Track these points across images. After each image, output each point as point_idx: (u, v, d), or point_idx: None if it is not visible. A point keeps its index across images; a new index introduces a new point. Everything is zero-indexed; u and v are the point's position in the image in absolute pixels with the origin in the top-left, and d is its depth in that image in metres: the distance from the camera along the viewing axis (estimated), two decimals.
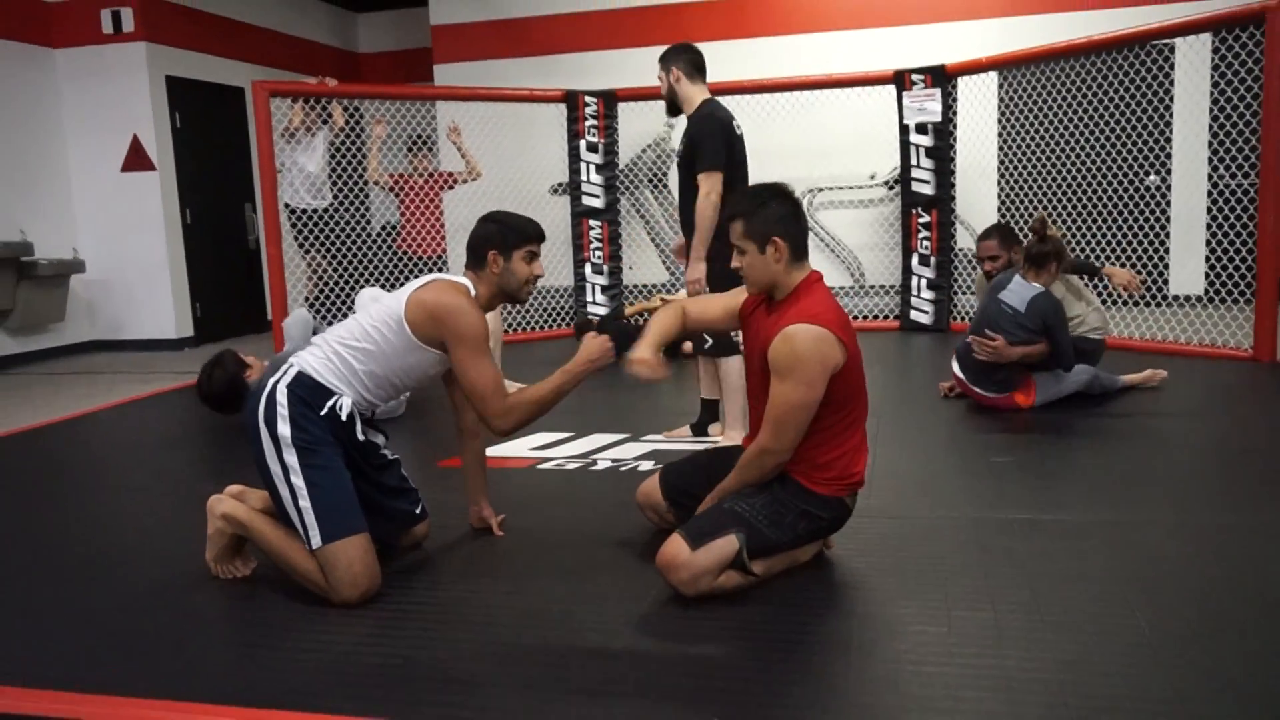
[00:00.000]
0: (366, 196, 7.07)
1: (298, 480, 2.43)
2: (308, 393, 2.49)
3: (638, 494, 2.84)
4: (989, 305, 4.30)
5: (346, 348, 2.55)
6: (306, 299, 6.68)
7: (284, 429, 2.44)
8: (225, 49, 8.48)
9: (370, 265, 6.77)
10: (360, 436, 2.59)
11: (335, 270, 6.73)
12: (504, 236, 2.64)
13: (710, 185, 3.69)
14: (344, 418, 2.51)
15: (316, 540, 2.41)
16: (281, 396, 2.47)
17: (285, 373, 2.52)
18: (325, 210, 6.62)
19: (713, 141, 3.72)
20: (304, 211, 6.56)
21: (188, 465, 4.08)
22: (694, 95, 3.89)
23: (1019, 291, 4.22)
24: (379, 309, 2.58)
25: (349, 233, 6.71)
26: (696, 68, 3.92)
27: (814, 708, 1.86)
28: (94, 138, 7.71)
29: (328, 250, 6.65)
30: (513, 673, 2.04)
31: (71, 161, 7.78)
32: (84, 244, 7.73)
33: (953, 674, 1.96)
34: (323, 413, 2.48)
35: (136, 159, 7.70)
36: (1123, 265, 6.29)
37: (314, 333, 4.46)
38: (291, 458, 2.43)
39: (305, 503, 2.42)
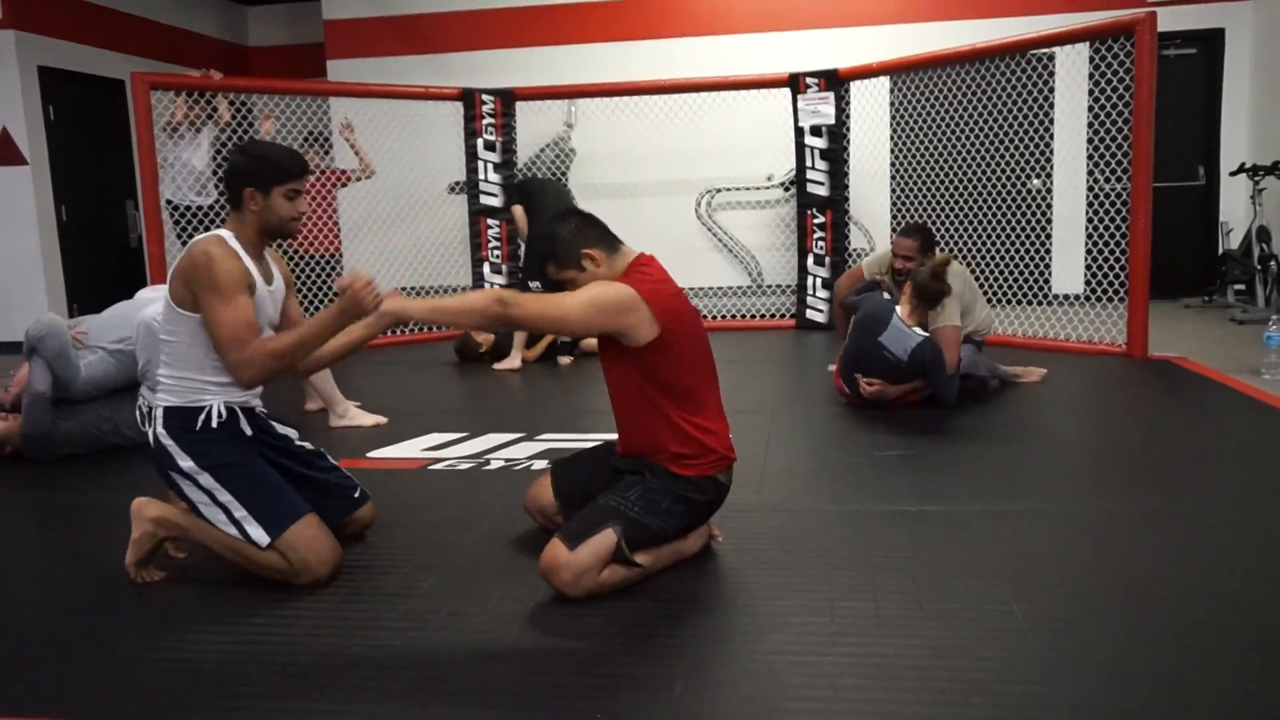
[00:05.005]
0: None
1: (224, 496, 2.41)
2: (180, 420, 2.45)
3: (525, 500, 2.81)
4: (867, 346, 4.15)
5: (166, 362, 2.49)
6: None
7: (185, 463, 2.42)
8: (103, 39, 8.12)
9: None
10: (248, 431, 2.53)
11: None
12: (259, 173, 2.45)
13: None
14: (214, 424, 2.46)
15: (264, 539, 2.38)
16: (165, 440, 2.44)
17: (154, 419, 2.48)
18: (210, 208, 6.39)
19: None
20: (188, 209, 6.32)
21: (60, 472, 3.86)
22: None
23: (900, 339, 4.07)
24: (153, 308, 2.55)
25: None
26: None
27: (696, 701, 1.86)
28: None
29: None
30: (395, 676, 2.00)
31: None
32: None
33: (833, 663, 1.99)
34: (198, 428, 2.44)
35: (6, 152, 7.32)
36: (1008, 265, 6.52)
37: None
38: (206, 479, 2.41)
39: (240, 511, 2.39)
